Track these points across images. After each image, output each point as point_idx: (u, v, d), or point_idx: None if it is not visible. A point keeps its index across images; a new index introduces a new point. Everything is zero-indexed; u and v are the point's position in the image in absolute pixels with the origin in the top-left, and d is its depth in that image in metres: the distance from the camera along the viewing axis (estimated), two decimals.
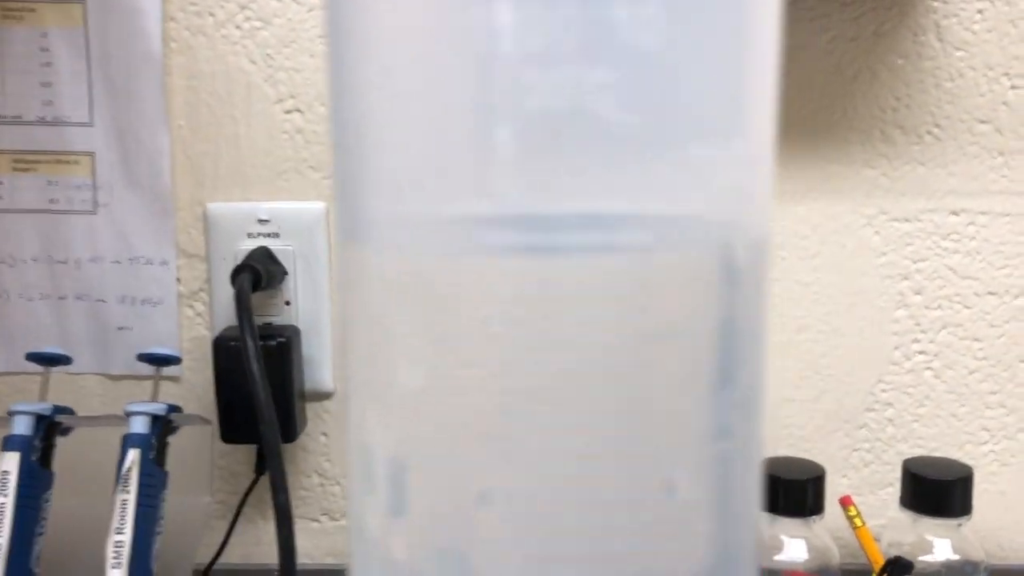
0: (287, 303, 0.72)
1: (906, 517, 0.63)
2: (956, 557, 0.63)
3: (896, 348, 0.74)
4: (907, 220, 0.73)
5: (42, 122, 0.71)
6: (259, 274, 0.67)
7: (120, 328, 0.73)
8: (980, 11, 0.71)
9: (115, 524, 0.60)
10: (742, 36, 0.21)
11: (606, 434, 0.20)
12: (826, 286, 0.74)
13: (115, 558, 0.58)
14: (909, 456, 0.70)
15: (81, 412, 0.69)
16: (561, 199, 0.20)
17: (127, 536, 0.58)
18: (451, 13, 0.19)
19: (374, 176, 0.21)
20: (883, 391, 0.75)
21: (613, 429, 0.20)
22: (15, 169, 0.71)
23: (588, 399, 0.20)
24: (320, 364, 0.74)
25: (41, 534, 0.63)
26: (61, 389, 0.72)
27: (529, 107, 0.19)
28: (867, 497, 0.75)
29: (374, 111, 0.20)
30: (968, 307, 0.74)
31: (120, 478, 0.60)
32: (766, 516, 0.63)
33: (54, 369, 0.67)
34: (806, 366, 0.74)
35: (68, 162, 0.71)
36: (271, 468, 0.60)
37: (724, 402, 0.21)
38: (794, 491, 0.64)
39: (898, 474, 0.65)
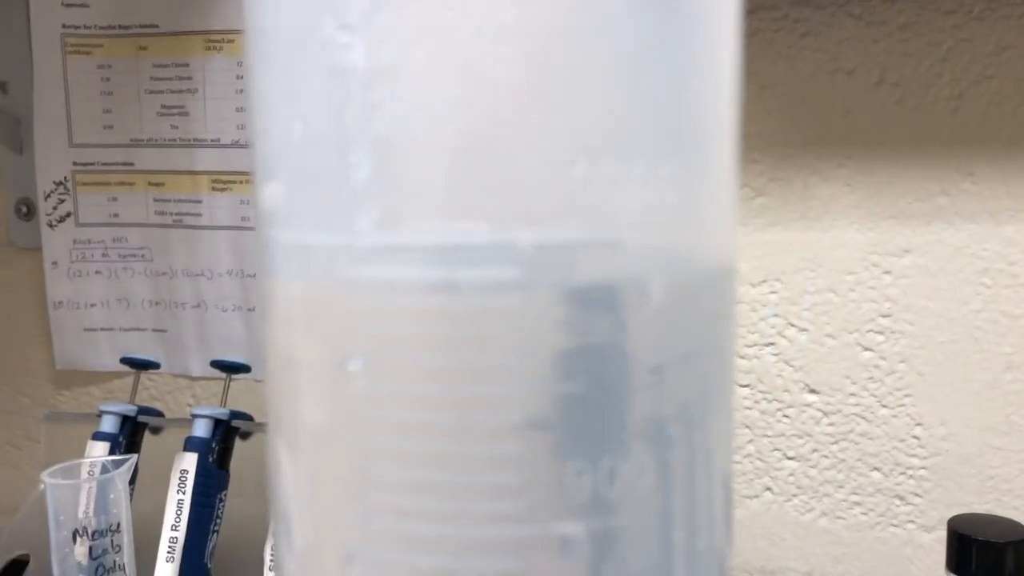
0: None
1: None
2: None
3: None
4: None
5: (236, 144, 0.76)
6: None
7: None
8: None
9: (170, 521, 0.64)
10: (671, 43, 0.18)
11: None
12: None
13: (169, 552, 0.63)
14: None
15: (260, 418, 0.73)
16: (425, 228, 0.18)
17: (180, 533, 0.62)
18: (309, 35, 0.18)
19: (266, 204, 0.20)
20: None
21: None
22: (213, 189, 0.77)
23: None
24: None
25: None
26: (245, 395, 0.77)
27: (383, 129, 0.17)
28: None
29: (265, 137, 0.20)
30: None
31: (178, 478, 0.64)
32: None
33: (236, 376, 0.72)
34: (1014, 410, 0.65)
35: None
36: None
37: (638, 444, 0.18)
38: (990, 555, 0.56)
39: None
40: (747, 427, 0.73)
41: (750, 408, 0.74)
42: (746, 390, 0.73)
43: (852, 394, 0.71)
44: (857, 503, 0.71)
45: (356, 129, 0.17)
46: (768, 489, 0.74)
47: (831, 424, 0.71)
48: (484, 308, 0.18)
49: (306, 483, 0.20)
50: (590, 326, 0.18)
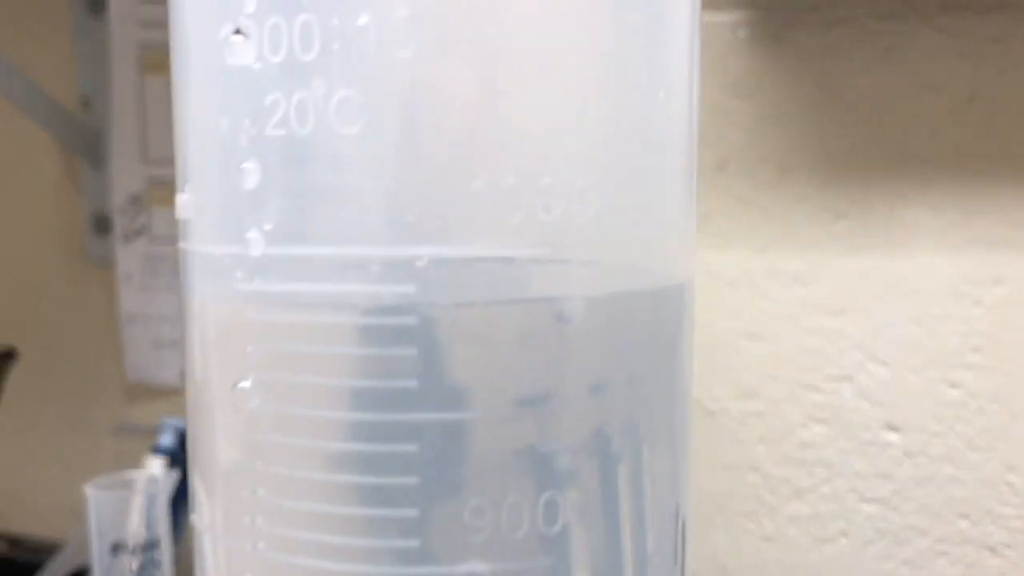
0: None
1: None
2: None
3: None
4: None
5: None
6: None
7: None
8: None
9: (133, 526, 0.64)
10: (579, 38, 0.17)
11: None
12: None
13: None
14: None
15: None
16: (319, 241, 0.16)
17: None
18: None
19: (179, 214, 0.19)
20: None
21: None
22: None
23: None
24: None
25: None
26: None
27: (274, 135, 0.16)
28: None
29: (180, 145, 0.19)
30: None
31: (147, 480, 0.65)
32: None
33: None
34: None
35: None
36: None
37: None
38: None
39: None
40: (823, 466, 0.69)
41: (827, 446, 0.70)
42: (822, 427, 0.69)
43: (938, 434, 0.66)
44: (943, 553, 0.66)
45: (248, 135, 0.16)
46: (844, 534, 0.70)
47: (915, 466, 0.66)
48: (378, 327, 0.16)
49: (216, 517, 0.18)
50: (492, 348, 0.16)
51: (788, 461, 0.67)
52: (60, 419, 0.89)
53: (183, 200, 0.18)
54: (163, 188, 0.78)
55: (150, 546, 0.53)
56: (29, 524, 0.83)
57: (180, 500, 0.71)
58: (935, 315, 0.65)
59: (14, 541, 0.85)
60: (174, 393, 0.83)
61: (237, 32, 0.16)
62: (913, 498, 0.67)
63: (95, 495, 0.52)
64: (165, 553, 0.53)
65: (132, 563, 0.53)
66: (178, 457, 0.70)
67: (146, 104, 0.77)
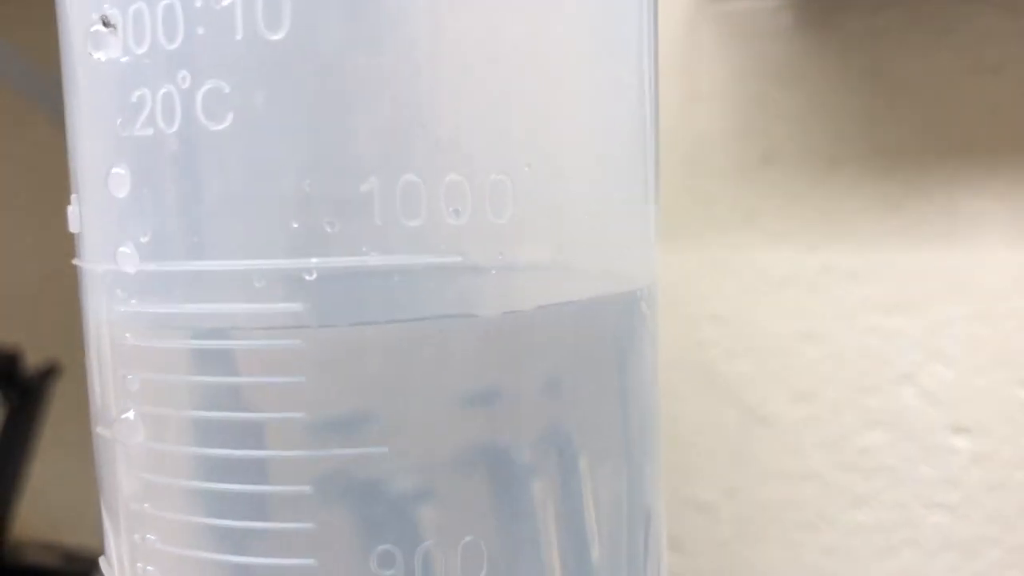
0: None
1: None
2: None
3: None
4: None
5: None
6: None
7: None
8: None
9: None
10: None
11: None
12: None
13: None
14: None
15: None
16: (197, 256, 0.14)
17: None
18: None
19: (70, 227, 0.17)
20: None
21: None
22: None
23: None
24: None
25: None
26: None
27: (146, 136, 0.14)
28: None
29: (70, 152, 0.17)
30: None
31: None
32: None
33: None
34: None
35: None
36: None
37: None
38: None
39: None
40: (884, 473, 0.66)
41: (888, 452, 0.66)
42: (883, 432, 0.66)
43: (1008, 437, 0.62)
44: (1016, 564, 0.62)
45: (117, 137, 0.15)
46: (910, 544, 0.66)
47: (984, 471, 0.62)
48: (261, 351, 0.14)
49: (120, 559, 0.17)
50: (392, 374, 0.14)
51: (847, 468, 0.63)
52: None
53: (71, 211, 0.16)
54: None
55: None
56: (84, 537, 0.83)
57: None
58: (1001, 311, 0.61)
59: (69, 555, 0.85)
60: None
61: (104, 23, 0.14)
62: (983, 505, 0.63)
63: None
64: None
65: None
66: None
67: None
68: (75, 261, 0.17)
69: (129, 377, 0.15)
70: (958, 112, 0.61)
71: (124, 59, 0.14)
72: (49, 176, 0.89)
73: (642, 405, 0.17)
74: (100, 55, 0.14)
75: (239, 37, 0.13)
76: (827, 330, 0.61)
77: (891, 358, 0.64)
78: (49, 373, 0.72)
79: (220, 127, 0.14)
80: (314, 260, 0.14)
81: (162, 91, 0.14)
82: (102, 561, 0.17)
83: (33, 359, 0.72)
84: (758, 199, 0.59)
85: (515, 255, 0.15)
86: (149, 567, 0.15)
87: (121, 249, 0.15)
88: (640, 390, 0.17)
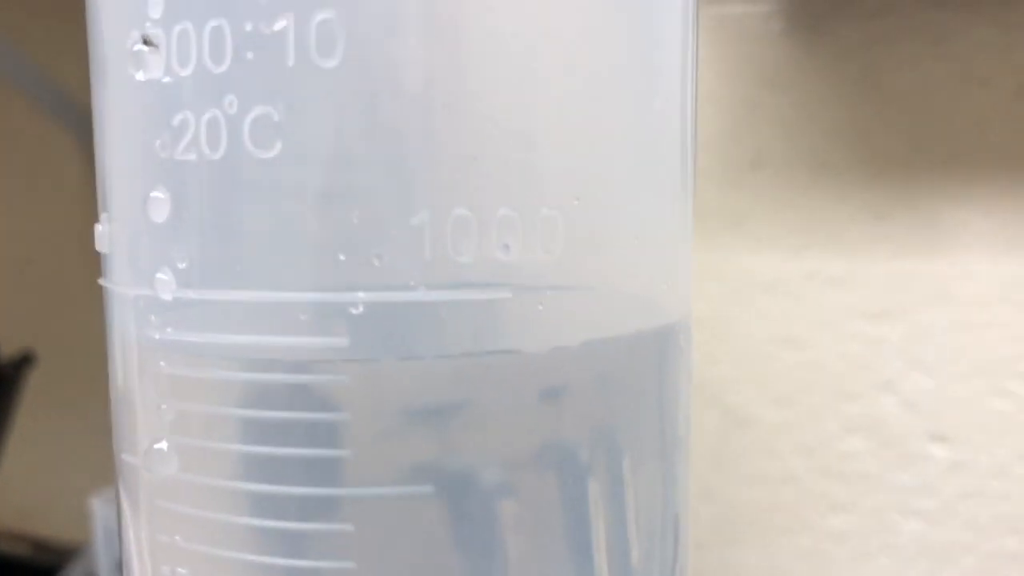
0: None
1: None
2: None
3: None
4: None
5: None
6: None
7: None
8: None
9: None
10: None
11: None
12: None
13: None
14: None
15: None
16: (237, 284, 0.14)
17: None
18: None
19: (98, 246, 0.17)
20: None
21: None
22: None
23: None
24: None
25: None
26: None
27: (186, 159, 0.14)
28: None
29: (99, 169, 0.16)
30: None
31: None
32: None
33: None
34: None
35: None
36: None
37: None
38: None
39: None
40: (863, 480, 0.66)
41: (867, 458, 0.66)
42: (862, 438, 0.66)
43: (985, 447, 0.63)
44: (990, 571, 0.63)
45: (157, 160, 0.14)
46: (886, 551, 0.67)
47: (961, 480, 0.63)
48: (305, 386, 0.14)
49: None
50: (441, 411, 0.14)
51: (826, 474, 0.64)
52: (85, 422, 0.89)
53: (99, 232, 0.16)
54: None
55: None
56: (55, 528, 0.82)
57: None
58: (983, 322, 0.61)
59: (39, 544, 0.84)
60: None
61: (145, 41, 0.14)
62: (959, 513, 0.64)
63: (101, 509, 0.51)
64: None
65: None
66: None
67: None
68: (102, 281, 0.16)
69: (163, 407, 0.14)
70: (946, 123, 0.61)
71: (166, 79, 0.14)
72: (24, 164, 0.87)
73: (676, 423, 0.16)
74: (140, 75, 0.14)
75: (291, 64, 0.13)
76: (810, 336, 0.61)
77: (872, 365, 0.64)
78: (24, 362, 0.71)
79: (268, 155, 0.13)
80: (361, 294, 0.13)
81: (207, 116, 0.13)
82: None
83: (7, 348, 0.71)
84: (745, 203, 0.59)
85: (563, 290, 0.14)
86: None
87: (158, 275, 0.14)
88: (675, 410, 0.16)
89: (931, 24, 0.61)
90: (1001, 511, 0.62)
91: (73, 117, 0.75)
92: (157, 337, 0.14)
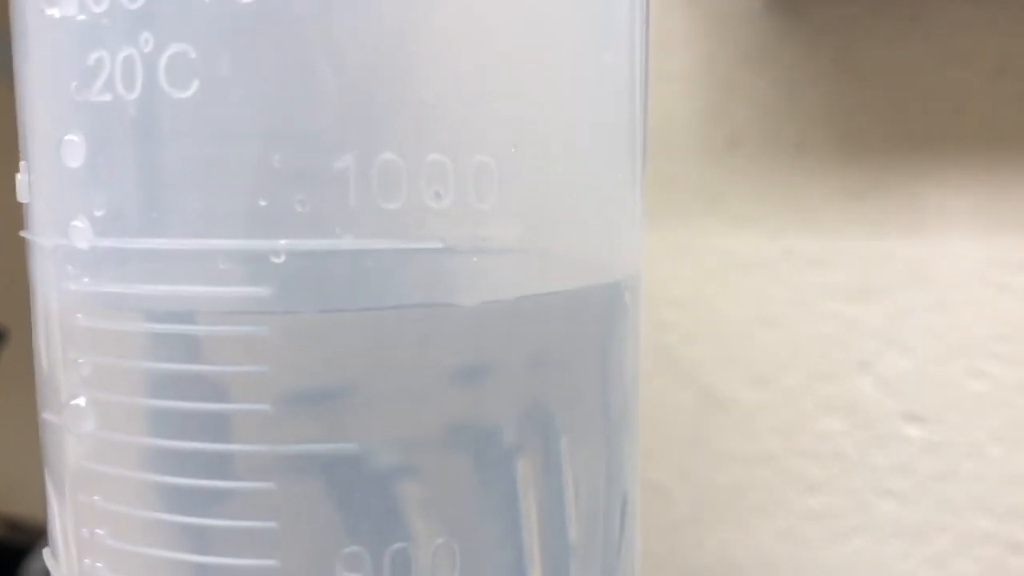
0: None
1: None
2: None
3: None
4: None
5: None
6: None
7: None
8: None
9: None
10: None
11: None
12: None
13: None
14: None
15: None
16: (155, 232, 0.13)
17: None
18: None
19: (19, 196, 0.16)
20: None
21: None
22: None
23: None
24: None
25: None
26: None
27: (102, 100, 0.13)
28: None
29: (19, 116, 0.16)
30: None
31: None
32: None
33: None
34: None
35: None
36: None
37: None
38: None
39: None
40: (839, 460, 0.66)
41: (843, 439, 0.66)
42: (838, 418, 0.66)
43: (960, 427, 0.63)
44: (964, 551, 0.63)
45: (72, 102, 0.13)
46: (861, 530, 0.67)
47: (936, 460, 0.63)
48: (224, 338, 0.13)
49: (68, 552, 0.16)
50: (364, 365, 0.13)
51: (802, 454, 0.63)
52: None
53: (20, 180, 0.15)
54: None
55: None
56: (28, 507, 0.82)
57: None
58: (959, 302, 0.61)
59: (12, 524, 0.83)
60: None
61: None
62: (933, 494, 0.64)
63: None
64: None
65: None
66: None
67: None
68: (23, 233, 0.15)
69: (80, 361, 0.14)
70: (924, 102, 0.61)
71: (81, 17, 0.13)
72: None
73: (622, 393, 0.16)
74: (54, 11, 0.13)
75: None
76: (787, 316, 0.61)
77: (849, 346, 0.64)
78: None
79: (184, 95, 0.13)
80: (282, 242, 0.13)
81: (122, 54, 0.13)
82: (46, 553, 0.16)
83: None
84: (723, 183, 0.59)
85: (497, 242, 0.14)
86: (98, 563, 0.14)
87: (73, 223, 0.14)
88: (621, 378, 0.16)
89: (908, 2, 0.60)
90: (975, 491, 0.62)
91: None
92: (74, 288, 0.14)
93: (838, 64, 0.59)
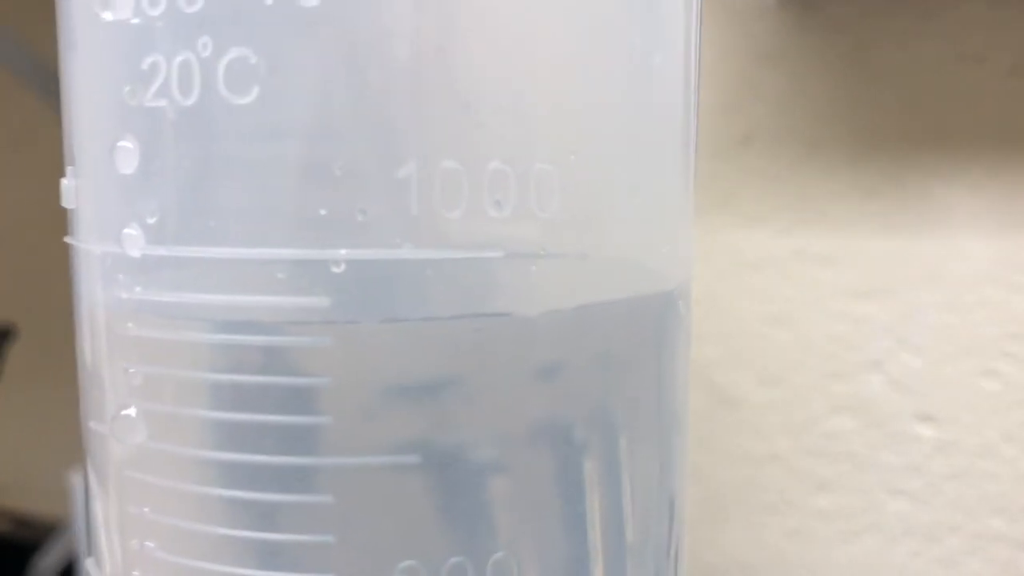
0: None
1: None
2: None
3: None
4: None
5: None
6: None
7: None
8: None
9: None
10: None
11: None
12: None
13: None
14: None
15: None
16: (212, 241, 0.13)
17: None
18: None
19: (64, 201, 0.16)
20: None
21: None
22: None
23: None
24: None
25: None
26: None
27: (158, 106, 0.13)
28: None
29: (65, 119, 0.15)
30: None
31: None
32: None
33: None
34: None
35: None
36: None
37: None
38: None
39: None
40: (849, 459, 0.66)
41: (854, 438, 0.66)
42: (849, 417, 0.66)
43: (972, 427, 0.63)
44: (976, 551, 0.63)
45: (125, 107, 0.13)
46: (872, 529, 0.66)
47: (947, 460, 0.62)
48: (283, 348, 0.13)
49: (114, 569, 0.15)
50: (425, 371, 0.13)
51: (812, 453, 0.63)
52: (66, 396, 0.88)
53: (65, 186, 0.15)
54: None
55: None
56: (34, 503, 0.81)
57: None
58: (971, 301, 0.61)
59: (18, 520, 0.83)
60: None
61: None
62: (945, 493, 0.63)
63: (82, 484, 0.50)
64: None
65: None
66: None
67: None
68: (68, 239, 0.15)
69: (131, 370, 0.14)
70: (938, 100, 0.60)
71: (135, 20, 0.13)
72: (0, 136, 0.85)
73: (674, 396, 0.16)
74: (107, 14, 0.13)
75: (269, 2, 0.12)
76: (798, 314, 0.60)
77: (860, 344, 0.64)
78: (3, 336, 0.70)
79: (244, 101, 0.12)
80: (343, 251, 0.13)
81: (179, 59, 0.13)
82: (90, 563, 0.16)
83: None
84: (734, 180, 0.59)
85: (557, 251, 0.13)
86: (147, 575, 0.14)
87: (126, 231, 0.13)
88: (673, 381, 0.16)
89: (923, 0, 0.60)
90: (987, 491, 0.62)
91: (54, 87, 0.73)
92: (125, 297, 0.13)
93: (851, 61, 0.59)
